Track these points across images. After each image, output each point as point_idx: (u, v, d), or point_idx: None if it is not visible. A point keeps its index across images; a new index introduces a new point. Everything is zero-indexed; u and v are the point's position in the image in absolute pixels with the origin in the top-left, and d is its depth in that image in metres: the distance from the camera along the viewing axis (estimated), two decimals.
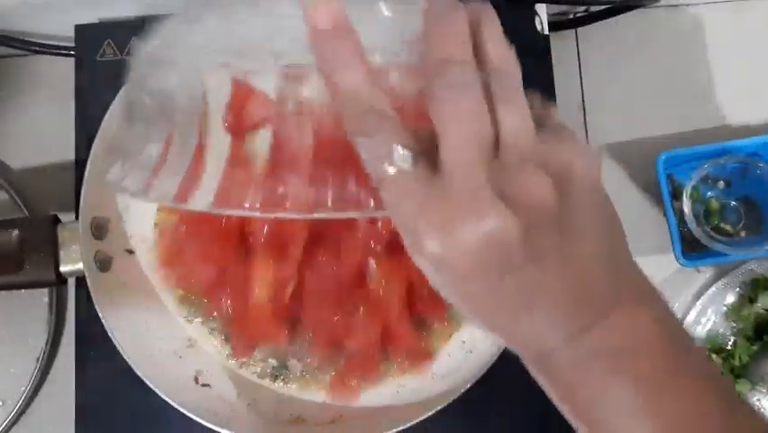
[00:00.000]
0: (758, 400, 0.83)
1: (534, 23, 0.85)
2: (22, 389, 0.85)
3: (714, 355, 0.85)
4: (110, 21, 0.90)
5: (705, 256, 0.86)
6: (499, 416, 0.80)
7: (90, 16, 0.89)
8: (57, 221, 0.78)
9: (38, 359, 0.86)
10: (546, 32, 0.85)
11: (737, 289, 0.86)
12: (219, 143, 0.54)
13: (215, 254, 0.77)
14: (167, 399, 0.74)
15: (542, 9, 0.85)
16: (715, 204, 0.88)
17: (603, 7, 0.87)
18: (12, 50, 0.92)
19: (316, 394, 0.80)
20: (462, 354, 0.80)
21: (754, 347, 0.84)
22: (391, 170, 0.45)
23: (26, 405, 0.86)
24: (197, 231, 0.78)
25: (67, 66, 0.89)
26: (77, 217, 0.78)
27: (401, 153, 0.45)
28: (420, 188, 0.45)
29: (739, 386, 0.83)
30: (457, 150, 0.44)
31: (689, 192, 0.85)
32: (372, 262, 0.76)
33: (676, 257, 0.85)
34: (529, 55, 0.87)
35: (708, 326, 0.86)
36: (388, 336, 0.78)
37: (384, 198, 0.46)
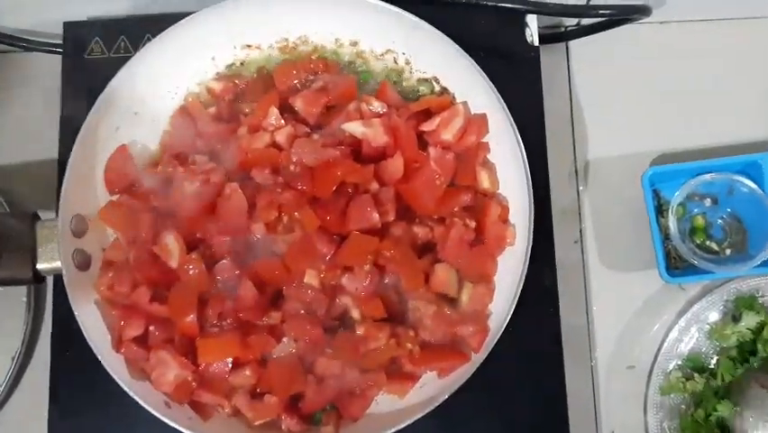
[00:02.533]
0: (740, 423, 0.81)
1: (524, 34, 0.85)
2: None
3: (696, 375, 0.84)
4: (99, 18, 0.89)
5: (689, 273, 0.86)
6: (477, 421, 0.79)
7: (79, 13, 0.88)
8: (36, 218, 0.77)
9: (13, 358, 0.84)
10: (536, 43, 0.85)
11: (721, 307, 0.86)
12: None
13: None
14: (141, 402, 0.72)
15: (532, 20, 0.85)
16: (700, 221, 0.88)
17: (594, 21, 0.87)
18: None
19: None
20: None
21: (739, 370, 0.83)
22: None
23: (1, 403, 0.85)
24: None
25: (54, 63, 0.88)
26: (57, 216, 0.77)
27: None
28: None
29: (721, 407, 0.80)
30: None
31: (674, 208, 0.84)
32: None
33: (660, 274, 0.84)
34: (519, 66, 0.88)
35: (691, 344, 0.85)
36: None
37: None
